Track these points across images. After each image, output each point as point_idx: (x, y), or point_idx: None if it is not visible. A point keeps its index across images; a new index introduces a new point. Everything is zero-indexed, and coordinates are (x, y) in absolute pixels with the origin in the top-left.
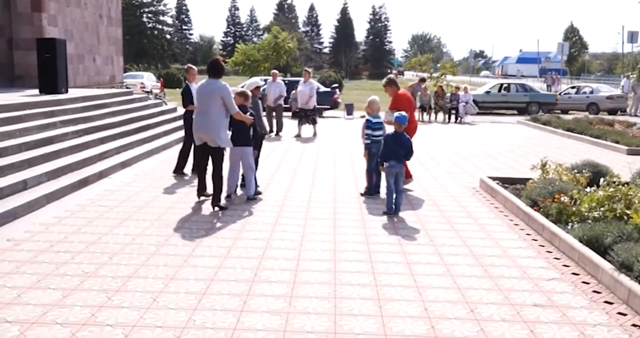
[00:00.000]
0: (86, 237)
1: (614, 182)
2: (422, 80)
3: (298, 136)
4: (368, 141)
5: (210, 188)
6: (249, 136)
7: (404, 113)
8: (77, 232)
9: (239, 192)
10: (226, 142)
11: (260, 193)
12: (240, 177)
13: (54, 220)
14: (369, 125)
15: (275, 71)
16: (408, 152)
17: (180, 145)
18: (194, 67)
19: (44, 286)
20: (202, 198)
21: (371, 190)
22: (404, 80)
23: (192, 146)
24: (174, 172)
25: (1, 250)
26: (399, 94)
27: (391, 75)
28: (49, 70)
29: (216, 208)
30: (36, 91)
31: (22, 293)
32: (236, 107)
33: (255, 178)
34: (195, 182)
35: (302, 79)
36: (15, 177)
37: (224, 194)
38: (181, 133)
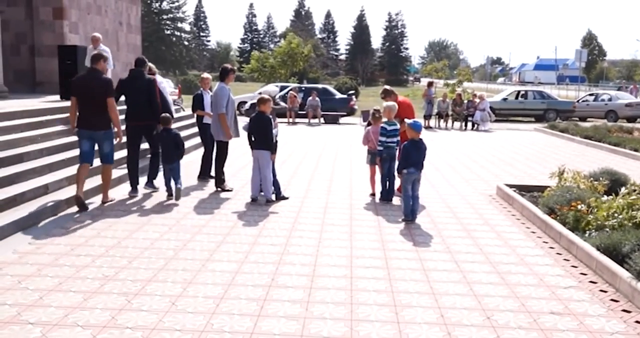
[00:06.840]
0: (106, 241)
1: (634, 190)
2: (430, 84)
3: None
4: (381, 148)
5: (228, 185)
6: (266, 140)
7: (418, 120)
8: (97, 236)
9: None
10: (233, 132)
11: (286, 198)
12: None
13: (74, 223)
14: (382, 132)
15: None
16: (424, 158)
17: (201, 150)
18: (209, 76)
19: (65, 289)
20: (223, 194)
21: (384, 195)
22: (420, 87)
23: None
24: (199, 177)
25: (23, 253)
26: (400, 101)
27: (386, 86)
28: (70, 77)
29: (219, 189)
30: (57, 97)
31: (44, 295)
32: (224, 108)
33: (278, 182)
34: (207, 187)
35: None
36: (37, 182)
37: (248, 199)
38: (198, 138)
